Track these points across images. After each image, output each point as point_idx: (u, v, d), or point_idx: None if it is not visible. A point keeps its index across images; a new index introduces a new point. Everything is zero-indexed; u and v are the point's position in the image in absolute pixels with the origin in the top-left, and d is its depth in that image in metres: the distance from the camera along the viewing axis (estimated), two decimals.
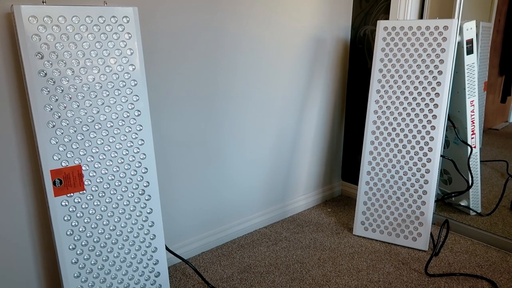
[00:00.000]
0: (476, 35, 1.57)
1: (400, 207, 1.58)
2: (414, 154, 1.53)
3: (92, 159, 1.07)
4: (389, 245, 1.59)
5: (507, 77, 1.70)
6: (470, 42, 1.55)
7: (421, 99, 1.50)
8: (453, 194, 1.70)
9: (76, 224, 1.07)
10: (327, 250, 1.55)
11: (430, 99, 1.48)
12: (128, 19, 1.07)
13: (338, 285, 1.34)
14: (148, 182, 1.17)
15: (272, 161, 1.72)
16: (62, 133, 1.02)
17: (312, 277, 1.38)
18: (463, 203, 1.74)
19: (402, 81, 1.52)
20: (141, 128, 1.13)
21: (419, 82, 1.49)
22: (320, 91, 1.83)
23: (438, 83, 1.46)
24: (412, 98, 1.51)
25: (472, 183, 1.62)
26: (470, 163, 1.64)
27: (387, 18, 1.73)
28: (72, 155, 1.04)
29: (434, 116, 1.48)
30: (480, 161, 1.72)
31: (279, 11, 1.56)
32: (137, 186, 1.16)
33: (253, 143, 1.62)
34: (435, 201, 1.60)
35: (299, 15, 1.63)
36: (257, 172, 1.68)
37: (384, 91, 1.55)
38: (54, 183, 1.02)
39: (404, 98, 1.52)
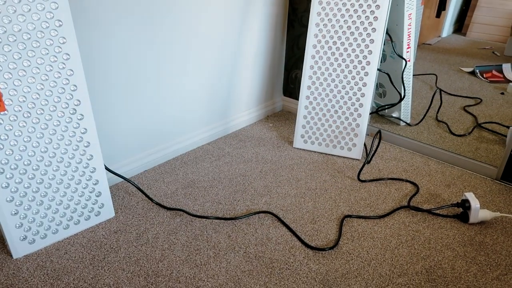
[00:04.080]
0: None
1: (338, 119, 1.64)
2: (353, 68, 1.56)
3: (10, 75, 0.96)
4: (326, 156, 1.68)
5: None
6: None
7: (362, 11, 1.48)
8: (386, 107, 1.79)
9: (1, 147, 1.00)
10: (269, 163, 1.61)
11: (370, 11, 1.47)
12: None
13: (279, 194, 1.41)
14: (79, 101, 1.09)
15: (213, 77, 1.67)
16: None
17: (254, 188, 1.44)
18: (395, 114, 1.85)
19: None
20: (64, 40, 1.02)
21: None
22: (260, 5, 1.74)
23: None
24: (354, 11, 1.49)
25: (404, 95, 1.71)
26: (404, 76, 1.71)
27: None
28: None
29: (374, 30, 1.49)
30: (413, 75, 1.80)
31: None
32: (67, 105, 1.08)
33: (194, 58, 1.55)
34: (370, 113, 1.68)
35: None
36: (199, 89, 1.63)
37: (326, 3, 1.51)
38: None
39: (346, 10, 1.50)
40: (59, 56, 1.03)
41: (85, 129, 1.13)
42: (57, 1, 0.98)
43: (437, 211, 1.34)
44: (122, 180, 1.46)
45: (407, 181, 1.51)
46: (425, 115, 1.85)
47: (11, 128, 1.00)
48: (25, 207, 1.08)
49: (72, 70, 1.06)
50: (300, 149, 1.73)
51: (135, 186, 1.32)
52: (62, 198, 1.15)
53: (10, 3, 0.92)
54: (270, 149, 1.72)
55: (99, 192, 1.22)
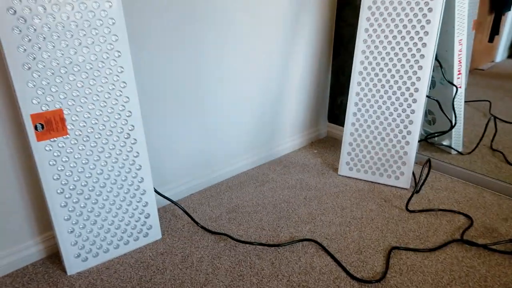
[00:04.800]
0: None
1: (385, 147, 1.61)
2: (401, 95, 1.53)
3: (74, 102, 1.04)
4: (372, 184, 1.64)
5: (496, 15, 1.67)
6: None
7: (409, 38, 1.47)
8: (436, 134, 1.73)
9: (62, 168, 1.07)
10: (313, 190, 1.60)
11: (418, 37, 1.45)
12: None
13: (323, 222, 1.39)
14: (133, 126, 1.16)
15: (259, 104, 1.71)
16: (39, 76, 0.97)
17: (298, 215, 1.43)
18: (445, 142, 1.78)
19: (391, 19, 1.48)
20: (122, 70, 1.09)
21: (408, 20, 1.45)
22: (307, 31, 1.77)
23: (428, 21, 1.43)
24: (401, 37, 1.48)
25: (455, 123, 1.65)
26: (455, 103, 1.65)
27: None
28: (52, 98, 1.01)
29: (422, 56, 1.46)
30: (465, 102, 1.73)
31: None
32: (122, 130, 1.14)
33: (240, 86, 1.59)
34: (419, 141, 1.63)
35: None
36: (244, 115, 1.67)
37: (373, 30, 1.51)
38: (35, 127, 1.00)
39: (393, 37, 1.49)
40: (117, 85, 1.10)
41: (138, 152, 1.19)
42: (117, 34, 1.06)
43: (494, 247, 1.26)
44: (169, 202, 1.50)
45: (459, 213, 1.43)
46: (478, 144, 1.77)
47: (71, 151, 1.07)
48: (80, 226, 1.14)
49: (128, 97, 1.13)
50: (345, 176, 1.71)
51: (182, 209, 1.36)
52: (114, 219, 1.20)
53: (76, 36, 1.00)
54: (314, 176, 1.71)
55: (148, 214, 1.26)
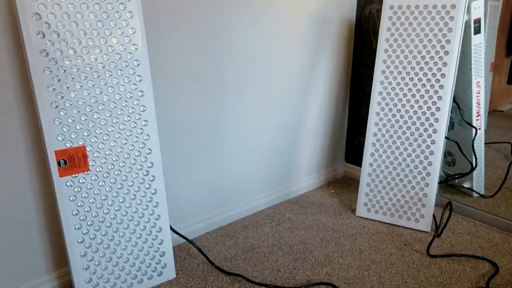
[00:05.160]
0: (484, 14, 1.54)
1: (403, 188, 1.58)
2: (419, 136, 1.52)
3: (96, 140, 1.07)
4: (391, 226, 1.60)
5: None
6: (477, 21, 1.52)
7: (426, 80, 1.48)
8: (456, 176, 1.70)
9: (82, 204, 1.08)
10: (330, 231, 1.56)
11: (435, 80, 1.47)
12: None
13: (341, 265, 1.35)
14: (152, 163, 1.18)
15: (275, 142, 1.72)
16: (65, 114, 1.01)
17: (315, 257, 1.40)
18: (466, 185, 1.74)
19: (408, 61, 1.50)
20: (144, 109, 1.13)
21: (425, 63, 1.47)
22: (323, 71, 1.81)
23: (444, 64, 1.44)
24: (418, 79, 1.49)
25: (476, 165, 1.62)
26: (475, 145, 1.63)
27: None
28: (76, 135, 1.04)
29: (440, 98, 1.47)
30: (485, 143, 1.71)
31: None
32: (141, 167, 1.16)
33: (256, 123, 1.62)
34: (438, 183, 1.60)
35: None
36: (260, 153, 1.68)
37: (389, 72, 1.54)
38: (59, 163, 1.02)
39: (410, 79, 1.51)
40: (139, 123, 1.13)
41: (155, 190, 1.20)
42: (141, 75, 1.11)
43: None
44: (184, 241, 1.49)
45: (484, 259, 1.37)
46: (501, 187, 1.72)
47: (91, 187, 1.09)
48: (96, 263, 1.14)
49: (148, 135, 1.15)
50: (363, 217, 1.67)
51: (197, 248, 1.34)
52: (129, 256, 1.20)
53: (102, 76, 1.05)
54: (331, 217, 1.68)
55: (163, 252, 1.26)
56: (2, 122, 1.03)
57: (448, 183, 1.82)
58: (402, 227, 1.60)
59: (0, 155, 1.04)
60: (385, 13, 1.50)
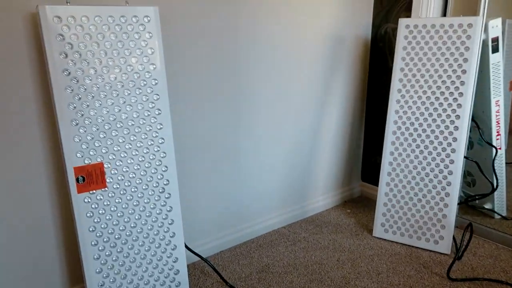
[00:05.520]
0: (502, 32, 1.53)
1: (422, 209, 1.55)
2: (437, 155, 1.50)
3: (114, 157, 1.09)
4: (409, 248, 1.56)
5: None
6: (495, 40, 1.51)
7: (444, 99, 1.46)
8: (477, 197, 1.66)
9: (98, 220, 1.09)
10: (346, 252, 1.53)
11: (453, 99, 1.45)
12: (149, 18, 1.08)
13: None
14: (168, 180, 1.18)
15: (291, 161, 1.71)
16: (85, 131, 1.03)
17: (331, 279, 1.37)
18: (487, 206, 1.69)
19: (425, 80, 1.49)
20: (161, 126, 1.15)
21: (442, 82, 1.46)
22: (339, 90, 1.81)
23: (462, 83, 1.43)
24: (435, 98, 1.48)
25: (497, 185, 1.58)
26: (495, 165, 1.59)
27: (409, 16, 1.70)
28: (95, 152, 1.06)
29: (458, 117, 1.45)
30: (506, 163, 1.67)
31: (298, 9, 1.55)
32: (157, 184, 1.17)
33: (272, 142, 1.62)
34: (458, 204, 1.56)
35: (318, 13, 1.62)
36: (276, 172, 1.67)
37: (406, 91, 1.53)
38: (77, 180, 1.04)
39: (427, 98, 1.49)
40: (156, 140, 1.15)
41: (171, 207, 1.20)
42: (159, 94, 1.13)
43: None
44: (199, 259, 1.48)
45: (507, 283, 1.32)
46: None
47: (108, 203, 1.10)
48: (111, 280, 1.14)
49: (165, 153, 1.17)
50: (381, 238, 1.64)
51: (211, 267, 1.33)
52: (144, 273, 1.19)
53: (121, 95, 1.07)
54: (348, 237, 1.65)
55: (177, 270, 1.25)
56: (25, 140, 1.06)
57: (468, 204, 1.77)
58: (421, 248, 1.55)
59: (22, 172, 1.07)
60: (401, 32, 1.51)
